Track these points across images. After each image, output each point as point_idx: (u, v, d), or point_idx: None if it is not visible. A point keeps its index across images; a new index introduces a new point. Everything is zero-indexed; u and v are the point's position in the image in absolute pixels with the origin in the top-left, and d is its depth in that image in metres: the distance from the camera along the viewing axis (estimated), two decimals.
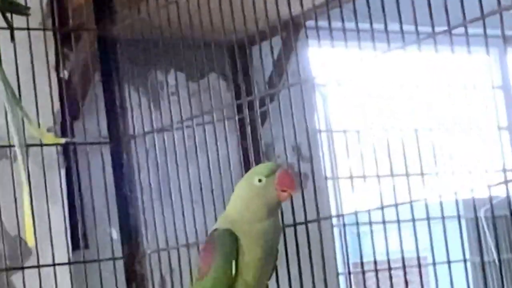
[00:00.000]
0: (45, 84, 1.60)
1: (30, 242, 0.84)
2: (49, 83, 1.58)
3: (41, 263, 1.32)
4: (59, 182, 1.63)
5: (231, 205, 0.93)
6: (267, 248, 0.90)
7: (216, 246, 0.90)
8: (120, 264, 1.59)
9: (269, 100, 1.44)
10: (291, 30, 1.43)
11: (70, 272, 1.49)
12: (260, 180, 0.87)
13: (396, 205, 1.32)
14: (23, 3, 1.11)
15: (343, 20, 1.21)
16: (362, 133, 1.91)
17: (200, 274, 0.93)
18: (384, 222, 1.33)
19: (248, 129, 1.47)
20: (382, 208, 1.33)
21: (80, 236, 1.56)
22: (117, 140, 1.47)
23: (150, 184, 1.55)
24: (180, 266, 1.43)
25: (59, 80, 1.66)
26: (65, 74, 1.67)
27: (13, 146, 0.87)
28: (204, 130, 1.43)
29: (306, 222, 1.28)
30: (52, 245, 1.30)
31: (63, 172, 1.66)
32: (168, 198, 1.52)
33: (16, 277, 1.46)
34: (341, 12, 1.24)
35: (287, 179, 0.88)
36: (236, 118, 1.55)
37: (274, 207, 0.90)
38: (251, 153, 1.44)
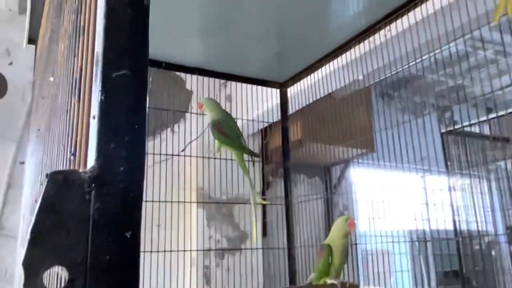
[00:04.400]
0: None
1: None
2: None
3: None
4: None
5: (330, 233, 1.84)
6: (343, 250, 1.77)
7: (323, 249, 1.78)
8: None
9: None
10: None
11: None
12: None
13: None
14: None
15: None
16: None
17: (317, 261, 1.79)
18: None
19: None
20: None
21: None
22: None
23: None
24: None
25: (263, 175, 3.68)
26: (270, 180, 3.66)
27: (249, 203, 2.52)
28: None
29: None
30: None
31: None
32: None
33: None
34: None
35: (352, 223, 1.80)
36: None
37: (346, 234, 1.81)
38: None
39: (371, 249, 3.27)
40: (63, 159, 0.45)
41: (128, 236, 0.31)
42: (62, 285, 0.29)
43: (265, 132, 3.05)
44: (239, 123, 2.63)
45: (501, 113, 3.05)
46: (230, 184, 2.63)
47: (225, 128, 2.01)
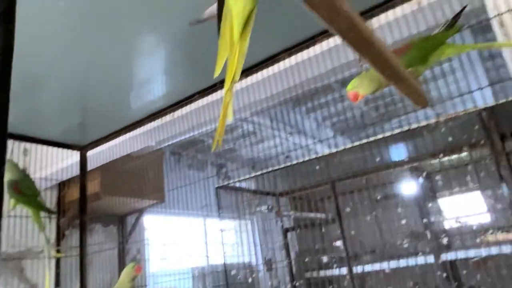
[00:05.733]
0: None
1: None
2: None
3: None
4: None
5: (119, 279, 1.94)
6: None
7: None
8: None
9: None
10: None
11: None
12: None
13: None
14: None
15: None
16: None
17: None
18: None
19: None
20: None
21: None
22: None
23: None
24: None
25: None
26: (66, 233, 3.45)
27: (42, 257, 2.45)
28: None
29: None
30: None
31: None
32: None
33: None
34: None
35: (138, 268, 2.00)
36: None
37: (133, 278, 1.96)
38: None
39: None
40: None
41: None
42: None
43: (63, 185, 2.99)
44: (37, 176, 2.54)
45: (261, 172, 3.76)
46: (23, 238, 2.47)
47: (23, 188, 1.97)
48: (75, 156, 2.64)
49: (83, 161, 2.58)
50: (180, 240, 3.49)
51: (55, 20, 1.25)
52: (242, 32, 0.79)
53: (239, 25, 0.78)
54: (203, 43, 1.48)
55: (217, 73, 0.84)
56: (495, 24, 1.33)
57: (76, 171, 2.67)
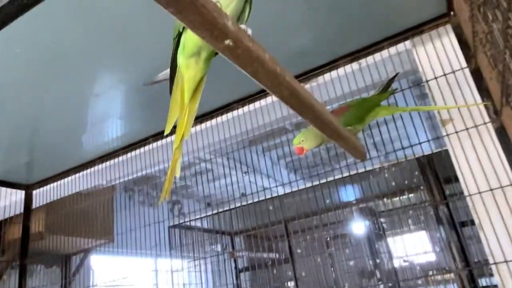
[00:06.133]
0: None
1: None
2: None
3: None
4: None
5: None
6: None
7: None
8: None
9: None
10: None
11: None
12: None
13: None
14: None
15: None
16: None
17: None
18: None
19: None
20: None
21: None
22: None
23: None
24: None
25: None
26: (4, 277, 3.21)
27: None
28: None
29: None
30: None
31: None
32: None
33: None
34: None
35: None
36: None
37: None
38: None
39: None
40: None
41: None
42: None
43: (4, 223, 2.83)
44: None
45: (215, 211, 3.77)
46: None
47: None
48: (18, 193, 2.54)
49: (27, 201, 2.48)
50: (128, 281, 3.37)
51: (9, 63, 1.26)
52: (192, 96, 0.86)
53: (189, 90, 0.85)
54: (159, 88, 1.54)
55: (167, 131, 0.90)
56: (426, 87, 1.50)
57: (18, 209, 2.57)
